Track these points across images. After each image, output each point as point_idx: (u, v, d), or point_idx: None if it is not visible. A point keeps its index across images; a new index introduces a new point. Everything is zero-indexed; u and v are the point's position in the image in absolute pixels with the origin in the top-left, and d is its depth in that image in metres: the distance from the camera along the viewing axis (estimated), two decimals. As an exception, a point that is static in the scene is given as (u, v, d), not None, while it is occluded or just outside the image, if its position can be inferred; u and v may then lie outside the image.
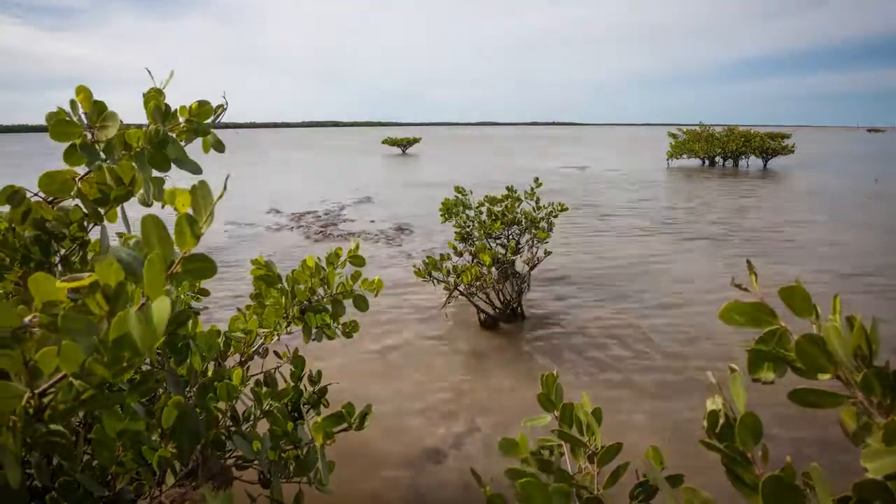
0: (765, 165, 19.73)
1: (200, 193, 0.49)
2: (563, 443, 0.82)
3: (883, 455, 0.42)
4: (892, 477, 0.42)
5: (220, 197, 0.48)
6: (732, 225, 8.72)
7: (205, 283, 1.71)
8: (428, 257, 3.91)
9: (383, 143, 29.38)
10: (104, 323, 0.44)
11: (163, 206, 0.82)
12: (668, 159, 22.10)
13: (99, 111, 0.76)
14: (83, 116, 0.77)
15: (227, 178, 0.56)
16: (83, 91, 0.76)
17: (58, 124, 0.74)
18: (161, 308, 0.41)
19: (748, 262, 0.50)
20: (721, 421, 0.50)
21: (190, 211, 0.49)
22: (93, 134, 0.76)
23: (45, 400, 0.50)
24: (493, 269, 4.02)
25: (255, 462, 1.14)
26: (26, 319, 0.47)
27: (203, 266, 0.49)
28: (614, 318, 4.55)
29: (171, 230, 0.52)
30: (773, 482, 0.44)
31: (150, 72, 0.85)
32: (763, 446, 0.50)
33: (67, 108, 0.78)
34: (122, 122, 0.88)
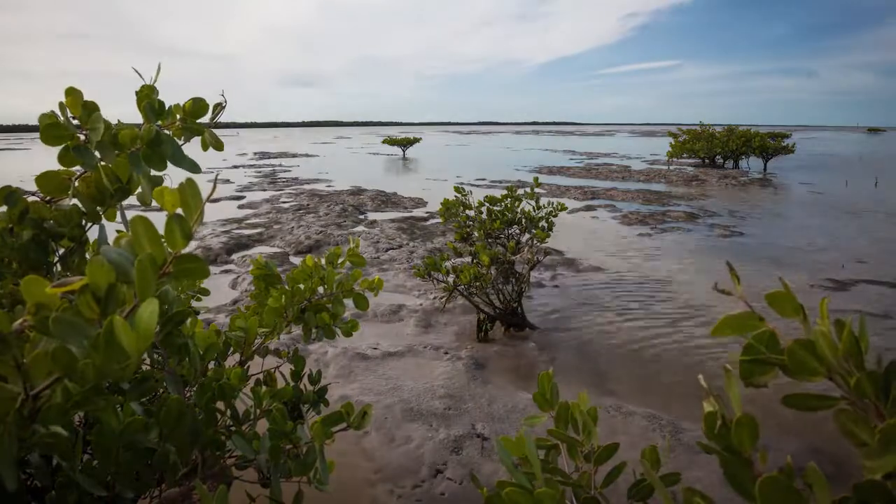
0: (765, 166, 19.71)
1: (189, 192, 0.49)
2: (560, 442, 0.82)
3: (881, 455, 0.42)
4: (891, 476, 0.42)
5: (210, 195, 0.48)
6: (729, 227, 8.71)
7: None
8: (427, 257, 3.91)
9: (384, 142, 29.38)
10: (96, 325, 0.44)
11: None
12: (668, 160, 22.07)
13: (89, 112, 0.76)
14: (71, 119, 0.77)
15: (216, 177, 0.56)
16: (73, 93, 0.75)
17: (48, 128, 0.74)
18: (149, 311, 0.41)
19: (728, 264, 0.50)
20: (719, 422, 0.50)
21: (179, 210, 0.49)
22: (85, 136, 0.76)
23: (40, 402, 0.50)
24: (493, 268, 4.02)
25: (255, 462, 1.14)
26: (16, 324, 0.47)
27: (194, 266, 0.49)
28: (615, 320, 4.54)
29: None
30: (771, 483, 0.44)
31: (137, 71, 0.84)
32: (762, 447, 0.49)
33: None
34: (119, 120, 0.88)
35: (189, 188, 0.50)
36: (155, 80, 0.85)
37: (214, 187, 0.51)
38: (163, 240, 0.53)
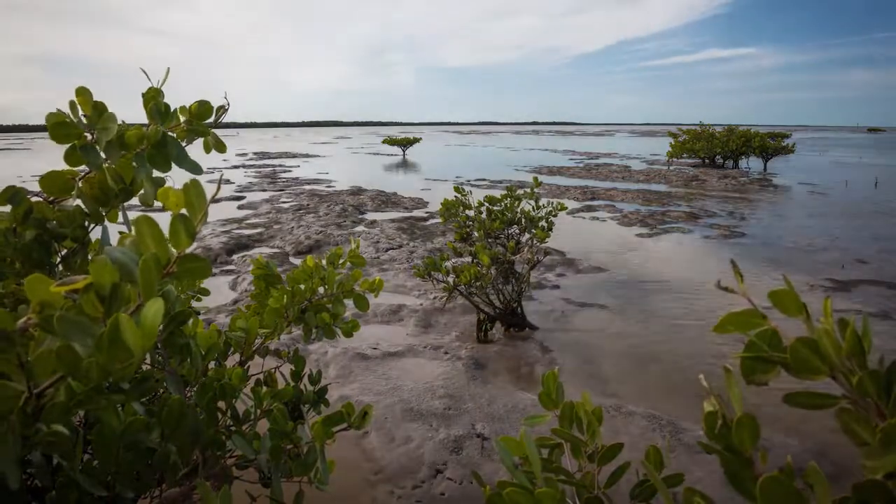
0: (765, 166, 19.72)
1: (194, 192, 0.49)
2: (563, 442, 0.82)
3: (882, 454, 0.42)
4: (891, 476, 0.42)
5: (215, 195, 0.49)
6: (729, 228, 8.71)
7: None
8: (427, 257, 3.91)
9: (384, 142, 29.40)
10: (100, 324, 0.44)
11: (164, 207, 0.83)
12: (668, 160, 22.09)
13: (99, 112, 0.76)
14: (83, 118, 0.77)
15: (221, 177, 0.56)
16: (83, 93, 0.76)
17: (57, 126, 0.74)
18: (154, 311, 0.41)
19: (732, 262, 0.50)
20: (719, 422, 0.50)
21: (184, 210, 0.49)
22: (93, 135, 0.77)
23: (43, 401, 0.50)
24: (493, 268, 4.02)
25: (256, 462, 1.14)
26: (20, 322, 0.47)
27: (197, 266, 0.49)
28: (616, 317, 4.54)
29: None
30: (772, 483, 0.44)
31: (145, 71, 0.85)
32: (762, 447, 0.50)
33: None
34: (123, 121, 0.89)
35: (193, 188, 0.50)
36: (163, 83, 0.85)
37: (219, 188, 0.51)
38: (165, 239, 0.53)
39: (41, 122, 0.83)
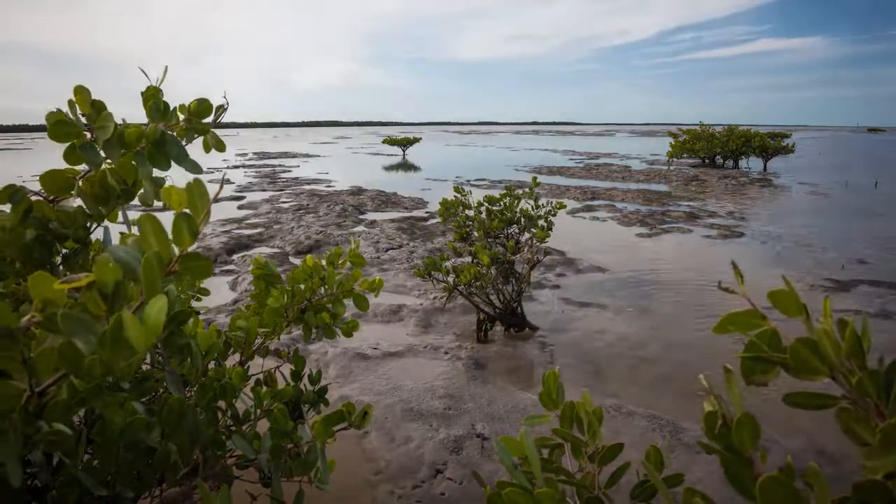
0: (765, 166, 19.72)
1: (197, 192, 0.50)
2: (563, 442, 0.82)
3: (882, 454, 0.43)
4: (891, 476, 0.42)
5: (217, 194, 0.49)
6: (729, 227, 8.71)
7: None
8: (427, 257, 3.91)
9: (384, 142, 29.40)
10: (103, 322, 0.44)
11: (164, 206, 0.83)
12: (668, 160, 22.09)
13: (98, 111, 0.76)
14: (81, 117, 0.78)
15: (223, 177, 0.56)
16: (81, 92, 0.76)
17: (57, 125, 0.74)
18: (157, 308, 0.42)
19: (732, 263, 0.50)
20: (719, 422, 0.50)
21: (186, 209, 0.49)
22: (92, 134, 0.77)
23: (45, 399, 0.50)
24: (493, 268, 4.02)
25: (256, 461, 1.14)
26: (24, 320, 0.47)
27: (199, 265, 0.49)
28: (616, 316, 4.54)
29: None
30: (771, 483, 0.44)
31: (143, 71, 0.85)
32: (761, 447, 0.50)
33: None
34: (124, 119, 0.89)
35: (196, 188, 0.50)
36: (161, 82, 0.85)
37: (221, 187, 0.51)
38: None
39: (36, 121, 0.83)
